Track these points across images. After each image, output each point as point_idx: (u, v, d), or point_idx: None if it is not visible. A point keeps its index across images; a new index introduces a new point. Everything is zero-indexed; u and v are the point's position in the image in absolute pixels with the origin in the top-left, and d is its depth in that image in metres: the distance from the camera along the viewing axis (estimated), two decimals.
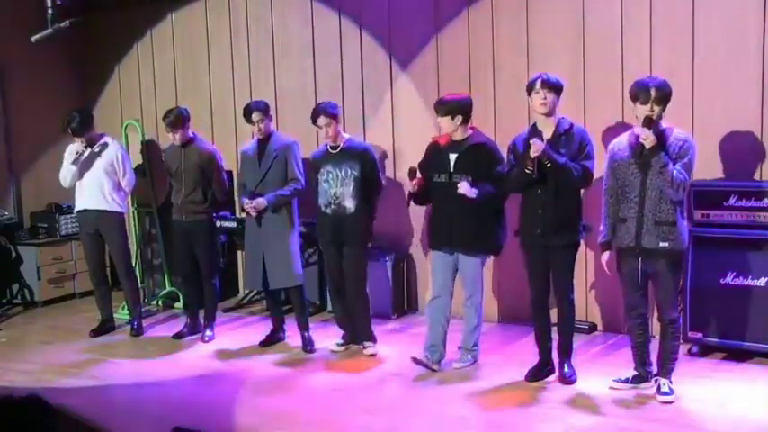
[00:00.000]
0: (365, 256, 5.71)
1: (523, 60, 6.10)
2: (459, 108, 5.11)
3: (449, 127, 5.13)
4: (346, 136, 5.71)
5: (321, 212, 5.65)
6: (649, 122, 4.36)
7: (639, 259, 4.51)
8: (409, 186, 5.29)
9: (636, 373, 4.71)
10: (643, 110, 4.41)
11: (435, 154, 5.26)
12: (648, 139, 4.34)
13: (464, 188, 4.95)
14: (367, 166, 5.55)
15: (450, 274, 5.25)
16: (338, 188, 5.54)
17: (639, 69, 5.59)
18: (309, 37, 7.09)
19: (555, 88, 4.75)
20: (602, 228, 4.70)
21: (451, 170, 5.12)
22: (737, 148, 5.37)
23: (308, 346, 5.82)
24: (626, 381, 4.71)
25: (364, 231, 5.60)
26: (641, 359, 4.71)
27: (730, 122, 5.38)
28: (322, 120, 5.53)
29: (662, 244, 4.43)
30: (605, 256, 4.72)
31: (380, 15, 6.73)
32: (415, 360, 5.23)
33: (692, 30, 5.47)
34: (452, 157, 5.13)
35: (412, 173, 5.27)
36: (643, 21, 5.62)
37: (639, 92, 4.43)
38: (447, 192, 5.09)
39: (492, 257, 5.59)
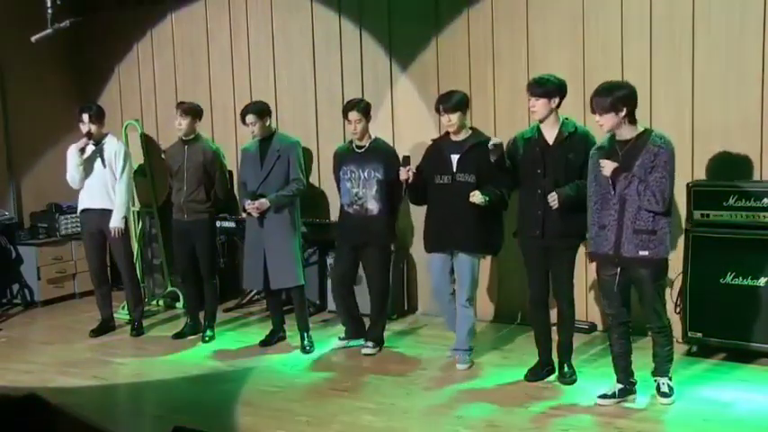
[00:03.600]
0: (388, 259, 5.73)
1: (523, 60, 6.10)
2: (464, 102, 5.13)
3: (458, 122, 5.08)
4: (373, 136, 5.66)
5: (344, 211, 5.65)
6: (606, 153, 4.29)
7: (619, 268, 4.38)
8: (402, 173, 5.11)
9: (621, 386, 4.56)
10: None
11: (436, 155, 5.23)
12: (605, 167, 4.27)
13: (477, 198, 4.92)
14: (391, 168, 5.44)
15: (448, 275, 5.28)
16: (360, 189, 5.51)
17: (639, 70, 5.60)
18: (309, 37, 7.09)
19: (543, 92, 4.66)
20: (588, 235, 4.53)
21: (454, 170, 5.10)
22: (737, 148, 5.37)
23: (307, 346, 5.82)
24: (612, 396, 4.54)
25: (387, 234, 5.58)
26: (624, 371, 4.56)
27: (730, 122, 5.38)
28: (354, 114, 5.49)
29: (641, 252, 4.28)
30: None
31: (380, 15, 6.74)
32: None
33: (692, 30, 5.47)
34: (454, 158, 5.11)
35: (406, 160, 5.18)
36: (643, 21, 5.62)
37: (590, 101, 4.35)
38: (449, 193, 5.08)
39: (488, 258, 5.59)
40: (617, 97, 4.23)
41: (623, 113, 4.25)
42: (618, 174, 4.24)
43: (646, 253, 4.28)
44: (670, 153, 4.24)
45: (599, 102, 4.27)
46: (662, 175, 4.20)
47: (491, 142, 4.78)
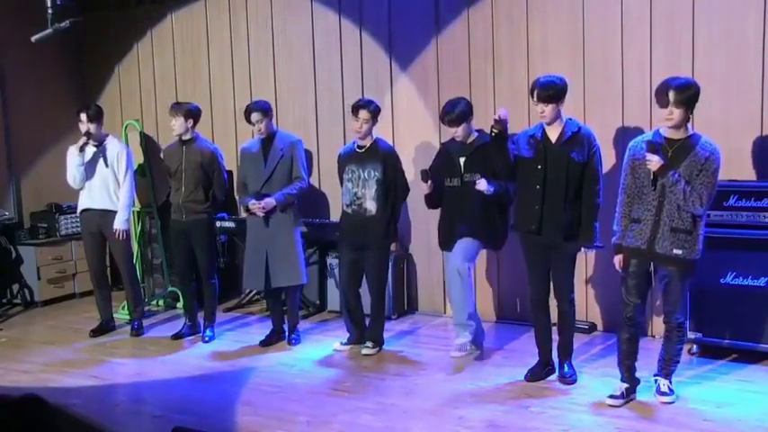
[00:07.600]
0: (386, 260, 5.74)
1: (523, 60, 6.10)
2: (466, 114, 5.19)
3: (464, 132, 5.21)
4: (375, 136, 5.67)
5: (343, 211, 5.69)
6: (653, 148, 4.25)
7: (651, 263, 4.41)
8: (424, 188, 5.29)
9: (627, 385, 4.56)
10: (662, 114, 4.23)
11: (445, 158, 5.36)
12: (652, 162, 4.23)
13: (482, 185, 5.01)
14: (390, 169, 5.51)
15: None
16: (360, 189, 5.53)
17: (639, 70, 5.61)
18: (309, 37, 7.09)
19: (551, 96, 4.65)
20: (615, 227, 4.54)
21: (462, 172, 5.22)
22: (737, 148, 5.36)
23: (293, 339, 5.91)
24: (621, 396, 4.53)
25: (385, 235, 5.58)
26: (629, 370, 4.57)
27: (730, 122, 5.38)
28: (363, 113, 5.51)
29: (675, 251, 4.29)
30: (618, 258, 4.52)
31: (380, 15, 6.73)
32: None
33: (692, 30, 5.47)
34: (461, 160, 5.23)
35: (425, 175, 5.25)
36: (643, 21, 5.62)
37: (658, 94, 4.24)
38: (459, 195, 5.20)
39: (486, 251, 5.62)
40: (693, 94, 4.21)
41: (690, 111, 4.25)
42: (664, 171, 4.23)
43: (680, 252, 4.29)
44: (719, 162, 4.26)
45: (684, 96, 4.17)
46: (709, 180, 4.22)
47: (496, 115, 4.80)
